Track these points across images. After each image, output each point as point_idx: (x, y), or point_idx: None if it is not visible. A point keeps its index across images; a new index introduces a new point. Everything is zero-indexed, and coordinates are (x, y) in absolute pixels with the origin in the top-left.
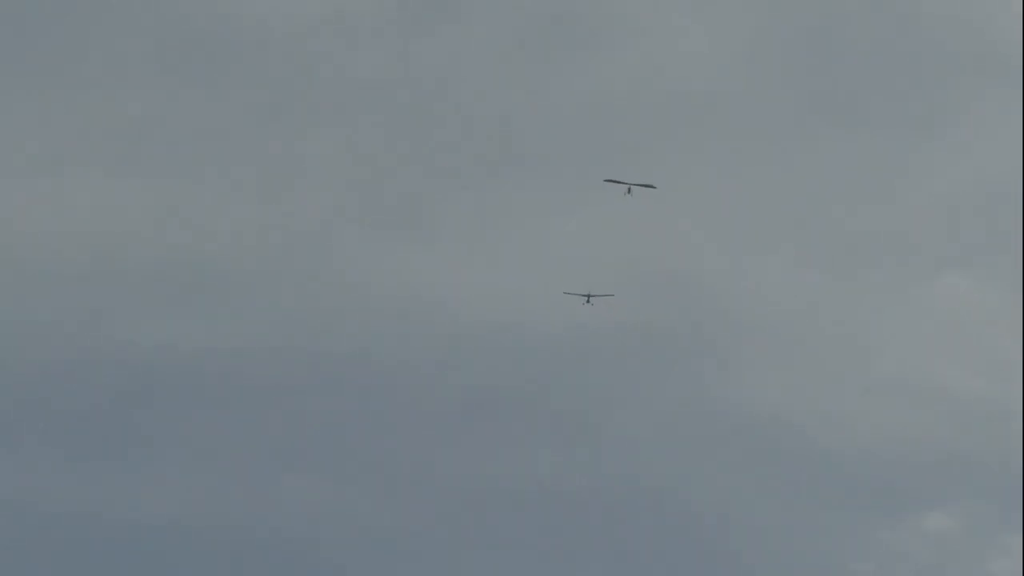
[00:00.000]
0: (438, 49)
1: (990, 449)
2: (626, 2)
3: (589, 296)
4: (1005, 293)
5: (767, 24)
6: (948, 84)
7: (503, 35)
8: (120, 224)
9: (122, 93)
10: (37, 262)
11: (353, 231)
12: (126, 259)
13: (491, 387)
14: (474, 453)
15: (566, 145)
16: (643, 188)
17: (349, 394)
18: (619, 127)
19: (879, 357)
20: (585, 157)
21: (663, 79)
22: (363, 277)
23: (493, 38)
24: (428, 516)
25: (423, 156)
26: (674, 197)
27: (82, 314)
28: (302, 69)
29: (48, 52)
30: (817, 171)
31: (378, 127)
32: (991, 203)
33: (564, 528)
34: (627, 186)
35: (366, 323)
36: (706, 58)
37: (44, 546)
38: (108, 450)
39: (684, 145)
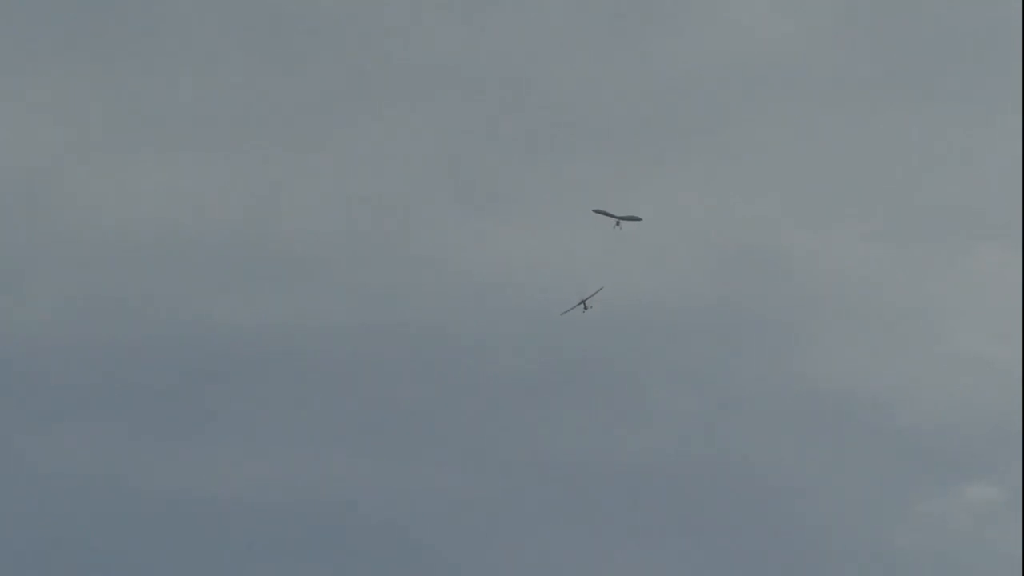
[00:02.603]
0: (513, 24)
1: None
2: None
3: (584, 302)
4: None
5: None
6: None
7: (577, 8)
8: (201, 201)
9: (197, 71)
10: (118, 238)
11: (429, 207)
12: (206, 236)
13: (568, 363)
14: (550, 429)
15: (640, 119)
16: (630, 220)
17: (426, 370)
18: (691, 99)
19: (951, 331)
20: (659, 130)
21: (736, 51)
22: (440, 253)
23: (567, 12)
24: (508, 491)
25: (501, 132)
26: (750, 168)
27: (164, 290)
28: (375, 45)
29: (120, 29)
30: (891, 143)
31: (454, 103)
32: None
33: (635, 502)
34: (616, 219)
35: (444, 299)
36: (779, 30)
37: (122, 521)
38: (183, 428)
39: (761, 115)
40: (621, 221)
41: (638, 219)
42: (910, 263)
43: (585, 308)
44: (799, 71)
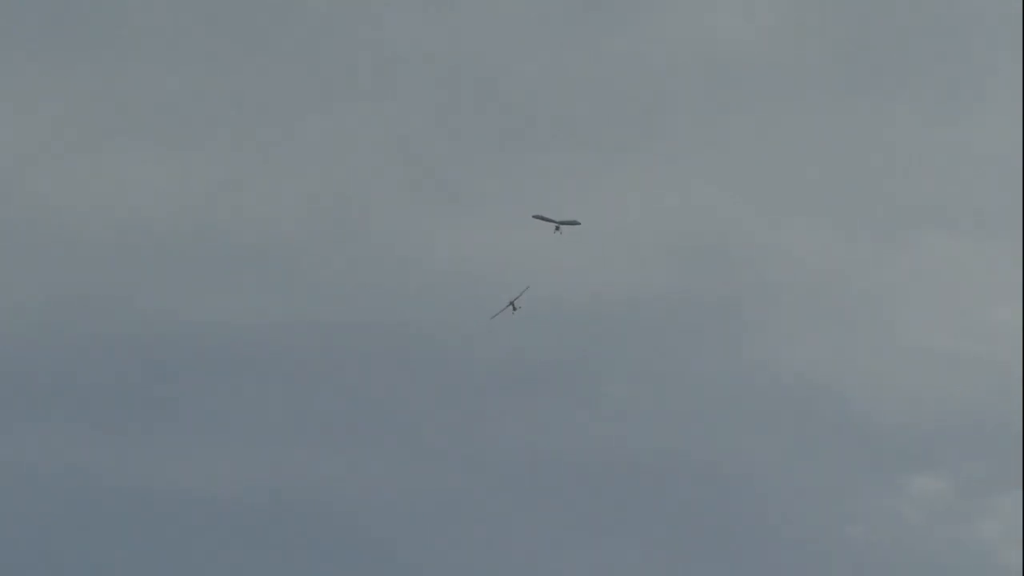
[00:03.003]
0: (474, 18)
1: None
2: None
3: (512, 303)
4: None
5: None
6: (991, 47)
7: (538, 4)
8: (163, 197)
9: (161, 67)
10: (81, 234)
11: (391, 203)
12: (169, 232)
13: (529, 358)
14: (511, 425)
15: (602, 112)
16: (570, 225)
17: (387, 366)
18: (653, 92)
19: (910, 323)
20: (621, 123)
21: (697, 42)
22: (401, 248)
23: (529, 6)
24: (467, 487)
25: (462, 127)
26: (707, 161)
27: (122, 288)
28: (335, 38)
29: (87, 26)
30: (852, 135)
31: (415, 97)
32: None
33: (595, 495)
34: (555, 224)
35: (405, 294)
36: (741, 21)
37: (80, 518)
38: (153, 424)
39: (718, 108)
40: (561, 226)
41: (577, 223)
42: (867, 256)
43: (514, 309)
44: (758, 66)
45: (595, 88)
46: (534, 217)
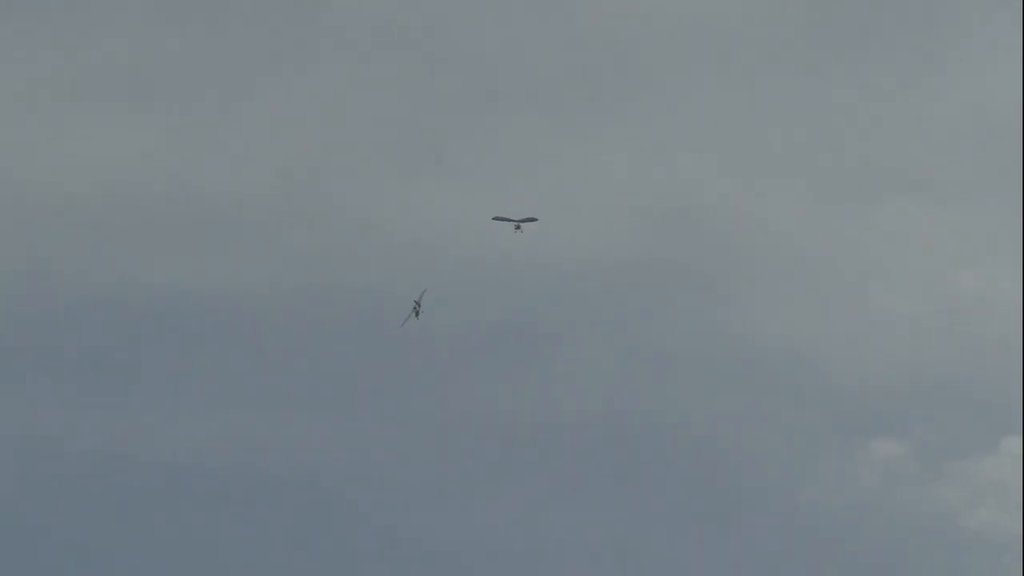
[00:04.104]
0: None
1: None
2: None
3: (416, 306)
4: (1011, 227)
5: None
6: (963, 14)
7: None
8: (129, 162)
9: (127, 32)
10: (47, 199)
11: (363, 168)
12: (136, 197)
13: (501, 323)
14: (484, 388)
15: (576, 76)
16: (528, 223)
17: (357, 331)
18: (627, 56)
19: (880, 288)
20: (595, 87)
21: (674, 10)
22: (371, 214)
23: None
24: (440, 452)
25: (433, 92)
26: (679, 127)
27: (92, 252)
28: (307, 4)
29: None
30: (824, 101)
31: (389, 63)
32: (1003, 136)
33: (569, 460)
34: (515, 223)
35: (376, 260)
36: None
37: (59, 483)
38: (119, 389)
39: (690, 73)
40: (521, 224)
41: (534, 220)
42: (839, 222)
43: (417, 315)
44: (729, 32)
45: (571, 56)
46: (494, 219)
